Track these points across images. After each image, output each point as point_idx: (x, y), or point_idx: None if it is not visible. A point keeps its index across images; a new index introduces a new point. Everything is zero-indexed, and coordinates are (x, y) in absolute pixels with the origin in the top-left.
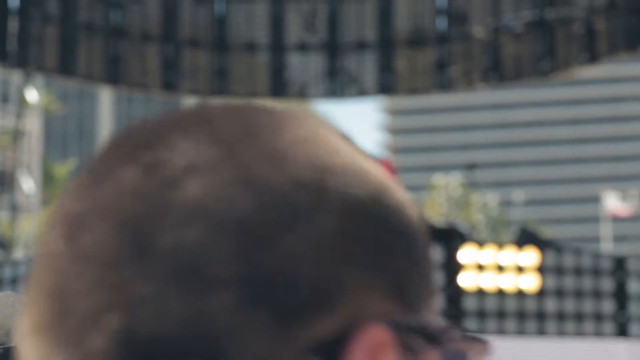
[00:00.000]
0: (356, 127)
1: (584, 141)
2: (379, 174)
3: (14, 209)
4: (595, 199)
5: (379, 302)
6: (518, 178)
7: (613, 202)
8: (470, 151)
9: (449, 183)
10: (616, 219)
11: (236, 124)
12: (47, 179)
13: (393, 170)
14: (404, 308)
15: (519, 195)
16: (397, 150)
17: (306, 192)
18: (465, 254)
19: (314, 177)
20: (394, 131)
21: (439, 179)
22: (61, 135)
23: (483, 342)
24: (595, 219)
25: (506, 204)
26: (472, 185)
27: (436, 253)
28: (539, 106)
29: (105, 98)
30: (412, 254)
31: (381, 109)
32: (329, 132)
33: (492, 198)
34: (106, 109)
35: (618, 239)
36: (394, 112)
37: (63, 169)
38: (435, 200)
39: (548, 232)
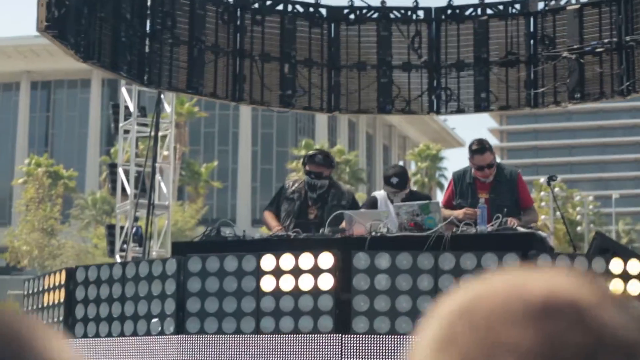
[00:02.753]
0: (468, 130)
1: None
2: None
3: (152, 207)
4: None
5: None
6: (614, 177)
7: None
8: (571, 153)
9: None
10: None
11: None
12: (192, 178)
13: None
14: None
15: (614, 193)
16: (506, 151)
17: None
18: (542, 259)
19: None
20: (503, 134)
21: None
22: (204, 138)
23: None
24: None
25: (603, 200)
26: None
27: (514, 257)
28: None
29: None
30: None
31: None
32: None
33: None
34: (246, 112)
35: None
36: (503, 118)
37: (206, 168)
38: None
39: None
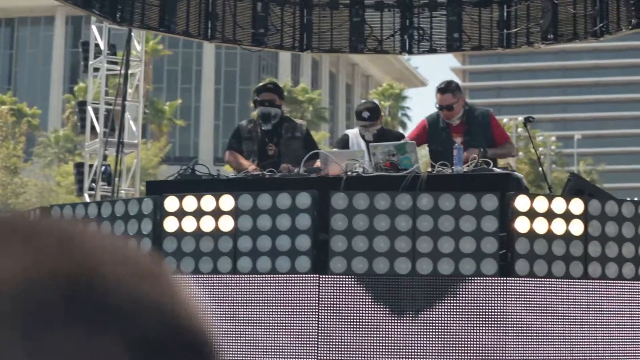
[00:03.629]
0: (431, 70)
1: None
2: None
3: (121, 146)
4: None
5: None
6: (576, 117)
7: None
8: (533, 93)
9: (514, 123)
10: None
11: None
12: (156, 116)
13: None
14: None
15: (576, 134)
16: (467, 91)
17: None
18: (519, 201)
19: None
20: (466, 74)
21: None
22: (167, 76)
23: None
24: None
25: (564, 140)
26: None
27: (492, 199)
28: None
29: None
30: None
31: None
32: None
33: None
34: (209, 50)
35: None
36: (466, 58)
37: (169, 106)
38: None
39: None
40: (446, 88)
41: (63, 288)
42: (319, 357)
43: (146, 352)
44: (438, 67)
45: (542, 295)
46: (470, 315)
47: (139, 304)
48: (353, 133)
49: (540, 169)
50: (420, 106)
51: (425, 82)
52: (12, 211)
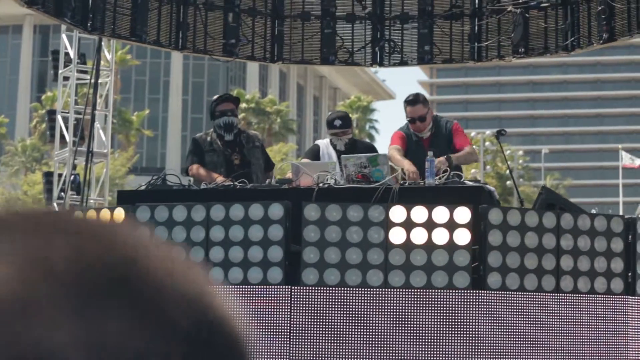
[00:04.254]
0: (398, 83)
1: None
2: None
3: (91, 155)
4: (613, 153)
5: None
6: (544, 132)
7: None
8: (501, 107)
9: (481, 136)
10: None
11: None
12: (124, 126)
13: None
14: None
15: (544, 148)
16: (435, 104)
17: None
18: (492, 214)
19: None
20: (433, 87)
21: (471, 132)
22: (135, 86)
23: None
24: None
25: (531, 155)
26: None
27: (465, 211)
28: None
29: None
30: None
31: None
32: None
33: (518, 149)
34: (177, 60)
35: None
36: (433, 71)
37: (137, 116)
38: None
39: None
40: (416, 100)
41: (109, 274)
42: None
43: (188, 343)
44: (405, 80)
45: (514, 308)
46: (444, 327)
47: (181, 296)
48: (324, 143)
49: (509, 182)
50: (388, 119)
51: (392, 95)
52: (53, 208)
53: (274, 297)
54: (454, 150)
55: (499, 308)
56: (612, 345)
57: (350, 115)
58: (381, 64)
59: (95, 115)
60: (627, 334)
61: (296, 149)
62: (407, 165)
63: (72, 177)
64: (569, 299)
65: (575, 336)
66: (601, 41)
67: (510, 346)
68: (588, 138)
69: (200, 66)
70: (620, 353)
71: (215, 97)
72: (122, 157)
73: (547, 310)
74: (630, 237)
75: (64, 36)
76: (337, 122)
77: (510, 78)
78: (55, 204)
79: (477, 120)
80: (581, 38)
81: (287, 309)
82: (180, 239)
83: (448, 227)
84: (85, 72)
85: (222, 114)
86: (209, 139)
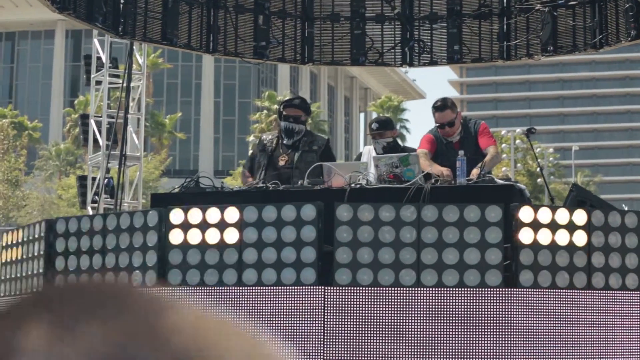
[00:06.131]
0: (428, 82)
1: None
2: None
3: (124, 158)
4: None
5: None
6: (573, 129)
7: None
8: (531, 105)
9: (512, 135)
10: None
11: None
12: (156, 129)
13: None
14: None
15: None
16: (465, 103)
17: None
18: (523, 212)
19: None
20: (463, 86)
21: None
22: (167, 89)
23: None
24: None
25: (561, 152)
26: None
27: (496, 210)
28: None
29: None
30: None
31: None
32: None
33: (548, 147)
34: (208, 63)
35: None
36: (463, 70)
37: (170, 119)
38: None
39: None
40: (444, 105)
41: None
42: None
43: None
44: (435, 80)
45: (546, 306)
46: (476, 326)
47: None
48: (367, 149)
49: (539, 180)
50: (419, 118)
51: (423, 94)
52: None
53: (308, 297)
54: (478, 149)
55: (531, 306)
56: None
57: (380, 115)
58: (411, 64)
59: (128, 118)
60: None
61: None
62: (439, 169)
63: (106, 180)
64: (600, 296)
65: (607, 333)
66: (629, 38)
67: (543, 344)
68: (617, 134)
69: (231, 68)
70: None
71: (285, 99)
72: (155, 160)
73: (579, 307)
74: None
75: (95, 41)
76: (374, 125)
77: (540, 76)
78: (89, 208)
79: (507, 119)
80: (609, 35)
81: (321, 309)
82: (214, 241)
83: (479, 225)
84: (117, 76)
85: (285, 119)
86: (270, 137)
